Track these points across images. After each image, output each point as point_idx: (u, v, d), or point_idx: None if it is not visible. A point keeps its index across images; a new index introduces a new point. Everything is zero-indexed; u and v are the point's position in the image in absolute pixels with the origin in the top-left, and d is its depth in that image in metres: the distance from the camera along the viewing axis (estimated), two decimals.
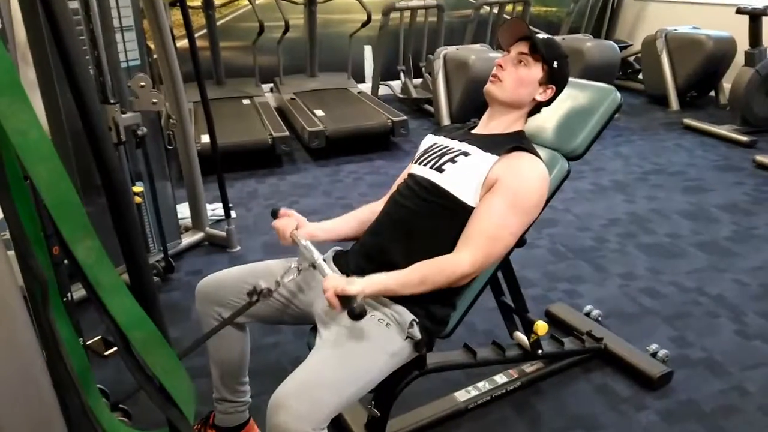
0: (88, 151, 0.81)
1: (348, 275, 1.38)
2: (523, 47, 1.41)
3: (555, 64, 1.41)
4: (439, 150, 1.45)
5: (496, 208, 1.29)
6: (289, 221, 1.44)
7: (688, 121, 4.62)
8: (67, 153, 2.10)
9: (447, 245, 1.31)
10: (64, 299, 0.98)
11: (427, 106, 5.11)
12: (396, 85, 5.55)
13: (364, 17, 4.92)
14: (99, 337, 2.05)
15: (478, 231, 1.29)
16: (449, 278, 1.27)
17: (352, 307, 1.13)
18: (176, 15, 4.30)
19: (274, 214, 1.48)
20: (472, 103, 4.22)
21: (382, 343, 1.25)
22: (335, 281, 1.18)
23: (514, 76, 1.41)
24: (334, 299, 1.16)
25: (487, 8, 5.43)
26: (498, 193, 1.29)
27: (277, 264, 1.46)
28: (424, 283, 1.26)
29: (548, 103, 1.47)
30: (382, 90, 5.45)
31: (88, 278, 0.85)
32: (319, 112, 4.34)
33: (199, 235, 2.80)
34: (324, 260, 1.31)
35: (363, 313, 1.13)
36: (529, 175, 1.33)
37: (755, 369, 1.91)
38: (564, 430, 1.68)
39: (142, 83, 2.07)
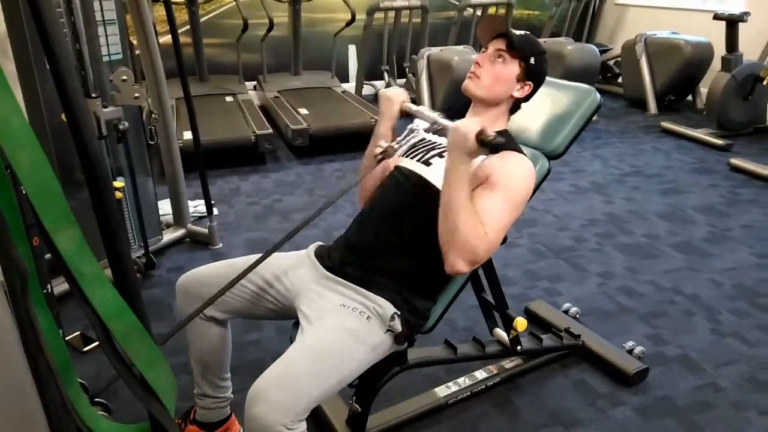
0: (68, 146, 0.81)
1: (331, 267, 1.39)
2: (500, 44, 1.42)
3: (532, 60, 1.42)
4: (428, 145, 1.47)
5: (494, 203, 1.28)
6: (401, 92, 1.50)
7: (665, 124, 4.71)
8: (48, 148, 2.07)
9: (433, 239, 1.31)
10: (45, 291, 0.97)
11: None
12: (380, 84, 5.56)
13: (349, 17, 4.92)
14: (78, 333, 2.03)
15: (487, 218, 1.26)
16: (469, 240, 1.22)
17: (491, 140, 1.17)
18: (159, 11, 4.28)
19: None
20: (455, 103, 4.25)
21: (363, 336, 1.26)
22: (466, 127, 1.19)
23: (492, 73, 1.42)
24: (475, 144, 1.17)
25: (471, 10, 5.46)
26: (493, 189, 1.30)
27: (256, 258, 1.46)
28: (459, 216, 1.21)
29: (526, 99, 1.48)
30: (366, 90, 5.47)
31: (69, 268, 0.84)
32: (303, 111, 4.34)
33: (180, 232, 2.78)
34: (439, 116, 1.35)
35: (502, 142, 1.18)
36: (520, 172, 1.35)
37: (729, 366, 1.96)
38: (542, 426, 1.70)
39: (124, 77, 2.05)
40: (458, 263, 1.25)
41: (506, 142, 1.39)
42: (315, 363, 1.18)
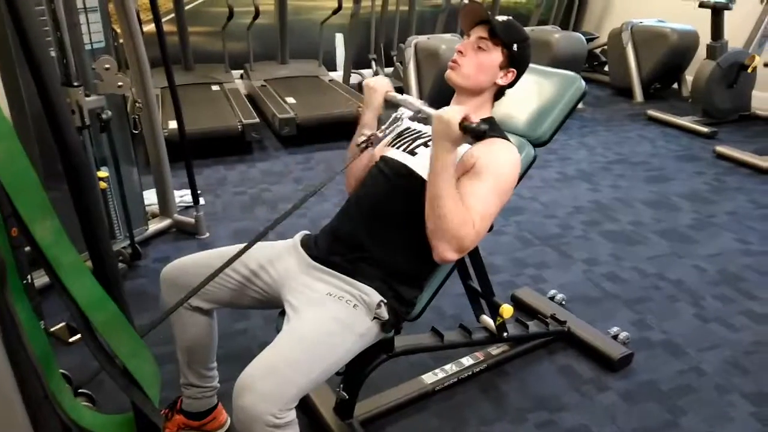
0: (51, 137, 0.80)
1: (317, 257, 1.39)
2: (482, 31, 1.41)
3: (515, 47, 1.41)
4: (413, 134, 1.47)
5: (482, 190, 1.28)
6: (384, 80, 1.49)
7: (651, 112, 4.73)
8: (29, 139, 2.05)
9: (419, 229, 1.31)
10: (24, 282, 0.96)
11: None
12: (367, 73, 5.52)
13: (335, 4, 4.88)
14: (63, 324, 2.01)
15: (473, 209, 1.26)
16: (458, 223, 1.22)
17: (476, 128, 1.17)
18: None
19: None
20: (443, 92, 4.23)
21: (349, 324, 1.26)
22: (452, 113, 1.19)
23: (474, 62, 1.41)
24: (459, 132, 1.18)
25: None
26: (480, 177, 1.30)
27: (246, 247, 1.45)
28: (446, 204, 1.21)
29: (510, 86, 1.47)
30: (354, 78, 5.43)
31: (48, 258, 0.83)
32: (290, 100, 4.31)
33: (166, 222, 2.76)
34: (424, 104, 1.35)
35: (486, 130, 1.18)
36: (506, 159, 1.35)
37: (712, 350, 1.98)
38: (528, 411, 1.72)
39: (107, 65, 2.02)
40: (446, 252, 1.25)
41: (491, 128, 1.39)
42: (302, 352, 1.18)
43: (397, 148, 1.45)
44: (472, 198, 1.27)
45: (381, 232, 1.36)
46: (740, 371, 1.88)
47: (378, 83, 1.48)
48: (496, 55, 1.41)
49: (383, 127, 1.38)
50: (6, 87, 1.98)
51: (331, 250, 1.39)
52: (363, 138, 1.38)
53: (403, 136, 1.48)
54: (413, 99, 1.38)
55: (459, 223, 1.22)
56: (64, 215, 0.85)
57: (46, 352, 0.94)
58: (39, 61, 0.76)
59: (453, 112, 1.19)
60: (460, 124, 1.18)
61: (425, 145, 1.39)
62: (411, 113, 1.38)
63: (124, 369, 0.94)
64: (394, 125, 1.39)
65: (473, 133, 1.17)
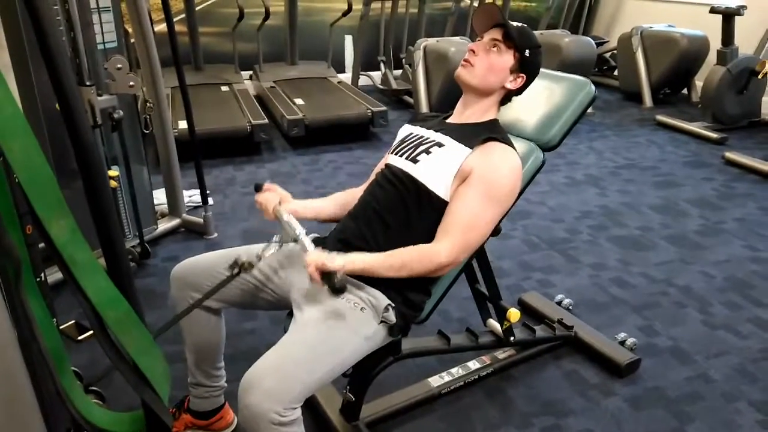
0: (63, 136, 0.81)
1: None
2: (496, 34, 1.41)
3: (527, 52, 1.41)
4: (415, 140, 1.46)
5: (471, 199, 1.30)
6: (273, 195, 1.45)
7: (660, 117, 4.72)
8: (42, 137, 2.07)
9: (422, 236, 1.33)
10: (38, 279, 0.97)
11: (406, 98, 5.12)
12: (376, 75, 5.54)
13: (345, 6, 4.90)
14: (72, 322, 2.03)
15: (454, 222, 1.31)
16: (428, 267, 1.29)
17: (333, 282, 1.14)
18: None
19: (258, 188, 1.48)
20: (451, 94, 4.22)
21: (356, 326, 1.26)
22: (317, 256, 1.19)
23: (486, 62, 1.41)
24: (316, 274, 1.17)
25: (468, 1, 5.45)
26: (473, 184, 1.31)
27: (255, 248, 1.46)
28: (403, 269, 1.28)
29: (518, 92, 1.47)
30: (362, 80, 5.44)
31: (63, 256, 0.84)
32: (299, 101, 4.32)
33: (175, 221, 2.77)
34: (307, 235, 1.31)
35: (343, 288, 1.15)
36: (502, 166, 1.34)
37: (719, 357, 1.98)
38: (534, 415, 1.72)
39: (119, 65, 2.04)
40: (441, 272, 1.33)
41: (493, 130, 1.41)
42: (308, 352, 1.18)
43: (400, 155, 1.45)
44: (461, 209, 1.30)
45: (387, 239, 1.36)
46: (748, 379, 1.87)
47: (267, 200, 1.43)
48: (508, 58, 1.41)
49: (261, 251, 1.30)
50: (20, 87, 2.00)
51: (340, 252, 1.39)
52: (236, 264, 1.28)
53: (405, 143, 1.48)
54: (295, 223, 1.32)
55: (427, 266, 1.29)
56: (76, 213, 0.86)
57: (59, 349, 0.95)
58: (57, 62, 0.77)
59: (314, 257, 1.18)
60: (322, 272, 1.17)
61: (426, 152, 1.39)
62: (300, 233, 1.30)
63: (135, 366, 0.94)
64: (273, 250, 1.32)
65: (330, 287, 1.15)
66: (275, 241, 1.33)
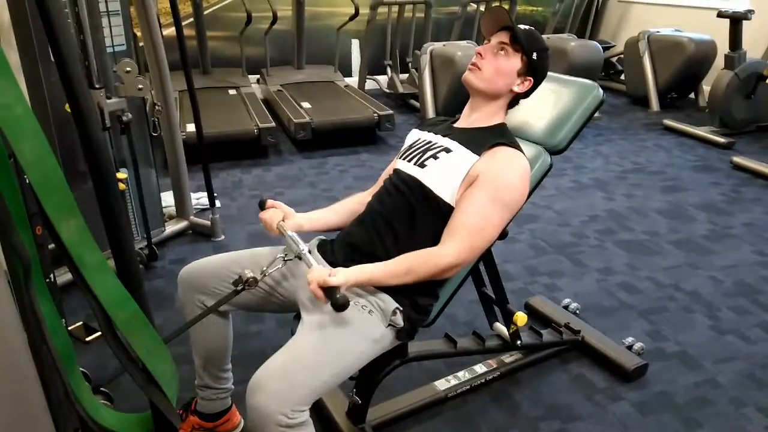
0: (72, 137, 0.82)
1: (332, 264, 1.40)
2: (504, 37, 1.41)
3: (534, 56, 1.40)
4: (423, 145, 1.46)
5: (478, 202, 1.30)
6: (276, 213, 1.45)
7: (667, 122, 4.70)
8: (51, 139, 2.08)
9: (429, 240, 1.32)
10: (47, 280, 0.98)
11: (413, 102, 5.13)
12: (383, 79, 5.55)
13: (352, 11, 4.92)
14: (80, 323, 2.04)
15: (461, 224, 1.30)
16: (434, 270, 1.29)
17: (335, 299, 1.14)
18: (163, 3, 4.28)
19: (261, 206, 1.49)
20: (458, 98, 4.24)
21: (364, 329, 1.26)
22: (319, 273, 1.18)
23: (493, 65, 1.40)
24: (319, 291, 1.17)
25: (474, 6, 5.45)
26: (480, 187, 1.31)
27: (262, 252, 1.47)
28: (409, 274, 1.28)
29: (526, 95, 1.47)
30: (369, 84, 5.46)
31: (72, 257, 0.85)
32: (306, 105, 4.34)
33: (183, 224, 2.79)
34: (309, 252, 1.31)
35: (345, 305, 1.14)
36: (510, 170, 1.34)
37: (727, 362, 1.96)
38: (541, 420, 1.71)
39: (128, 68, 2.05)
40: (448, 274, 1.32)
41: (501, 135, 1.40)
42: (315, 354, 1.19)
43: (408, 160, 1.45)
44: (467, 212, 1.30)
45: (395, 243, 1.36)
46: (756, 384, 1.86)
47: (271, 218, 1.43)
48: (516, 61, 1.40)
49: (264, 269, 1.32)
50: (30, 89, 2.01)
51: (348, 257, 1.39)
52: (240, 279, 1.29)
53: (413, 148, 1.48)
54: (298, 240, 1.33)
55: (432, 269, 1.28)
56: (85, 215, 0.86)
57: (68, 350, 0.96)
58: (68, 65, 0.78)
59: (315, 275, 1.18)
60: (325, 288, 1.16)
61: (434, 157, 1.39)
62: (303, 249, 1.31)
63: (144, 367, 0.95)
64: (277, 266, 1.33)
65: (332, 301, 1.14)
66: (280, 257, 1.34)
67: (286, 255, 1.34)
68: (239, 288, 1.29)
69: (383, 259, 1.32)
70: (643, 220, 3.05)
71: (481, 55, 1.42)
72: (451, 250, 1.29)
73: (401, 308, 1.31)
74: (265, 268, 1.31)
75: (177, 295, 1.48)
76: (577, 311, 2.17)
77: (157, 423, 1.05)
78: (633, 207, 3.21)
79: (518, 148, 1.40)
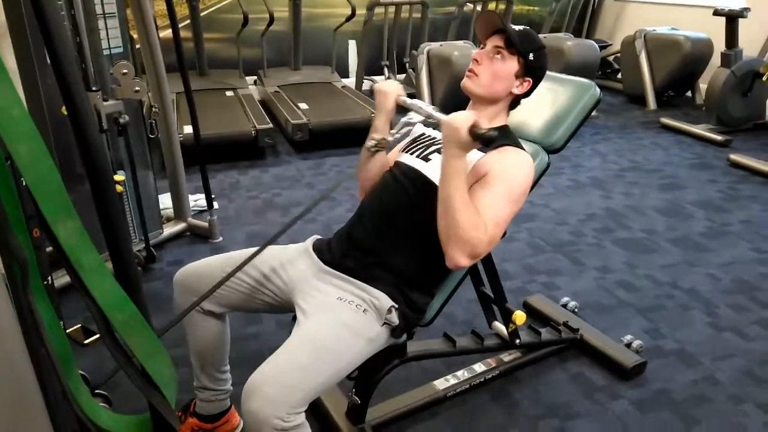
0: (69, 140, 0.82)
1: (329, 261, 1.40)
2: (498, 40, 1.40)
3: (531, 56, 1.40)
4: (428, 140, 1.47)
5: (493, 198, 1.28)
6: (396, 85, 1.48)
7: (664, 120, 4.71)
8: (48, 142, 2.08)
9: (432, 234, 1.31)
10: (45, 282, 0.98)
11: None
12: (380, 80, 5.55)
13: (349, 11, 4.92)
14: (79, 325, 2.04)
15: (484, 216, 1.26)
16: (469, 234, 1.21)
17: (485, 135, 1.16)
18: (160, 5, 4.27)
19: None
20: (455, 98, 4.23)
21: (359, 329, 1.26)
22: (461, 118, 1.19)
23: (490, 70, 1.40)
24: (467, 136, 1.18)
25: (471, 5, 5.45)
26: (491, 184, 1.29)
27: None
28: (457, 210, 1.20)
29: (526, 95, 1.47)
30: (366, 85, 5.46)
31: (70, 259, 0.85)
32: (303, 106, 4.34)
33: (180, 226, 2.78)
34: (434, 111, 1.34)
35: (494, 137, 1.17)
36: (519, 166, 1.35)
37: (726, 360, 1.97)
38: (540, 418, 1.71)
39: (125, 70, 2.05)
40: (459, 258, 1.24)
41: (505, 136, 1.40)
42: (309, 356, 1.18)
43: (411, 153, 1.46)
44: (484, 205, 1.27)
45: (394, 238, 1.37)
46: (754, 381, 1.86)
47: (389, 87, 1.47)
48: (512, 64, 1.40)
49: (393, 131, 1.38)
50: (26, 91, 2.01)
51: (345, 254, 1.39)
52: (373, 142, 1.40)
53: (417, 142, 1.49)
54: (424, 104, 1.37)
55: (470, 228, 1.21)
56: (82, 217, 0.86)
57: (66, 352, 0.96)
58: (65, 67, 0.78)
59: (462, 118, 1.19)
60: (469, 130, 1.18)
61: (439, 151, 1.39)
62: (421, 118, 1.38)
63: (142, 369, 0.95)
64: (405, 129, 1.38)
65: (482, 139, 1.17)
66: (405, 120, 1.37)
67: (404, 124, 1.37)
68: (373, 150, 1.42)
69: (383, 254, 1.31)
70: (641, 218, 3.05)
71: (477, 61, 1.42)
72: (487, 231, 1.25)
73: (396, 306, 1.31)
74: (394, 131, 1.38)
75: (173, 297, 1.48)
76: (576, 309, 2.18)
77: (156, 425, 1.05)
78: (631, 205, 3.22)
79: (522, 148, 1.40)
